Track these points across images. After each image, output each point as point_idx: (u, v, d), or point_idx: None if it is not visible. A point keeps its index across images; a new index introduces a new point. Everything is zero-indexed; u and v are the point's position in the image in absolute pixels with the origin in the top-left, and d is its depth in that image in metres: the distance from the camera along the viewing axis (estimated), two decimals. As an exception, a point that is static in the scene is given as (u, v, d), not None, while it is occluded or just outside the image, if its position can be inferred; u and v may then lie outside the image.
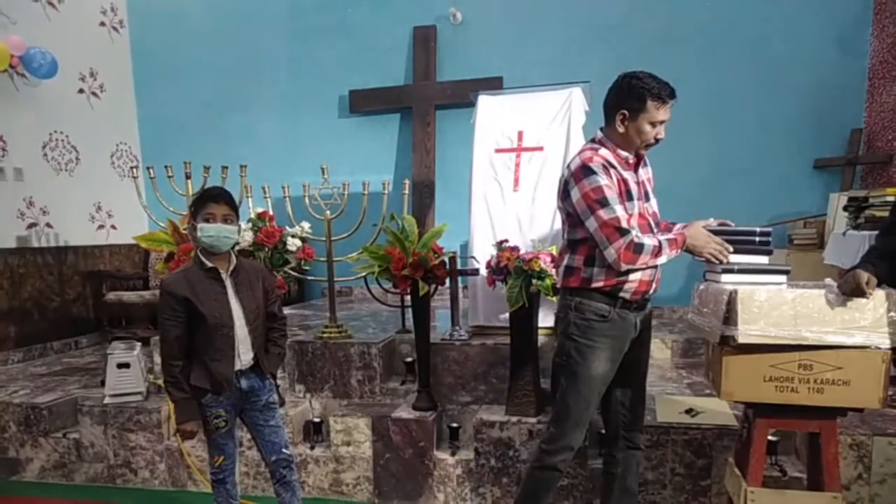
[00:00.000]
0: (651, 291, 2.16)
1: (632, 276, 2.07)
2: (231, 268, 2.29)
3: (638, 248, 1.96)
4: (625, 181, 2.06)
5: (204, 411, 2.30)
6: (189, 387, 2.25)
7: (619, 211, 1.98)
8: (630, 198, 2.06)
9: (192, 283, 2.22)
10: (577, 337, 2.14)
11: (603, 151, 2.08)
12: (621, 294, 2.09)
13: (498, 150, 3.64)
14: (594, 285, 2.10)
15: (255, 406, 2.40)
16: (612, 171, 2.04)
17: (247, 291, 2.31)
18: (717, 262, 2.07)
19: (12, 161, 4.93)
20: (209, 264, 2.25)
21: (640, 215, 2.10)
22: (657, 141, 2.07)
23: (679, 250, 2.03)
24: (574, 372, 2.15)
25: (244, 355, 2.31)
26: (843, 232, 3.72)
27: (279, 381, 2.93)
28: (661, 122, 2.03)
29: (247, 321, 2.29)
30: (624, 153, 2.10)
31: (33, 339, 5.06)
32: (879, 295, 1.94)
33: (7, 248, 4.89)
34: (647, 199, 2.18)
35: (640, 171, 2.17)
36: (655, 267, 2.11)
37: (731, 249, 2.05)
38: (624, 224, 1.97)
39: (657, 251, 1.99)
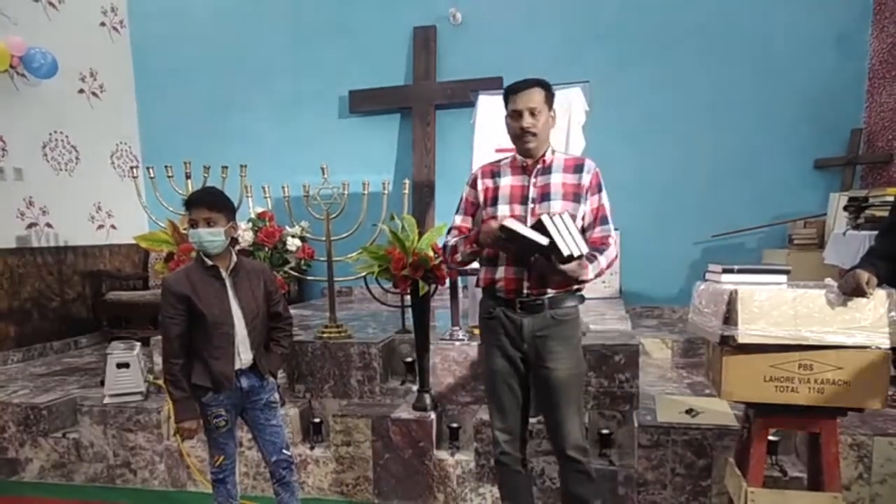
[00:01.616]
0: (526, 291, 2.11)
1: (497, 275, 2.15)
2: (231, 266, 2.30)
3: (445, 249, 2.28)
4: (496, 188, 2.19)
5: (204, 411, 2.31)
6: (189, 385, 2.26)
7: (457, 220, 2.29)
8: (495, 203, 2.17)
9: (194, 282, 2.23)
10: (481, 333, 2.32)
11: (501, 161, 2.24)
12: (498, 293, 2.16)
13: (498, 150, 3.63)
14: (482, 284, 2.24)
15: (256, 405, 2.40)
16: (484, 180, 2.23)
17: (246, 291, 2.31)
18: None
19: (12, 161, 4.93)
20: (209, 262, 2.26)
21: (518, 217, 2.08)
22: (525, 130, 2.10)
23: (472, 244, 2.15)
24: (484, 365, 2.32)
25: (244, 354, 2.32)
26: (844, 232, 3.73)
27: (279, 381, 2.93)
28: (519, 113, 2.11)
29: (245, 321, 2.30)
30: (520, 157, 2.20)
31: (33, 339, 5.06)
32: (880, 295, 1.94)
33: (7, 247, 4.89)
34: (546, 200, 2.12)
35: (539, 177, 2.15)
36: (522, 266, 2.10)
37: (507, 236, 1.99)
38: (449, 232, 2.28)
39: (454, 249, 2.21)
